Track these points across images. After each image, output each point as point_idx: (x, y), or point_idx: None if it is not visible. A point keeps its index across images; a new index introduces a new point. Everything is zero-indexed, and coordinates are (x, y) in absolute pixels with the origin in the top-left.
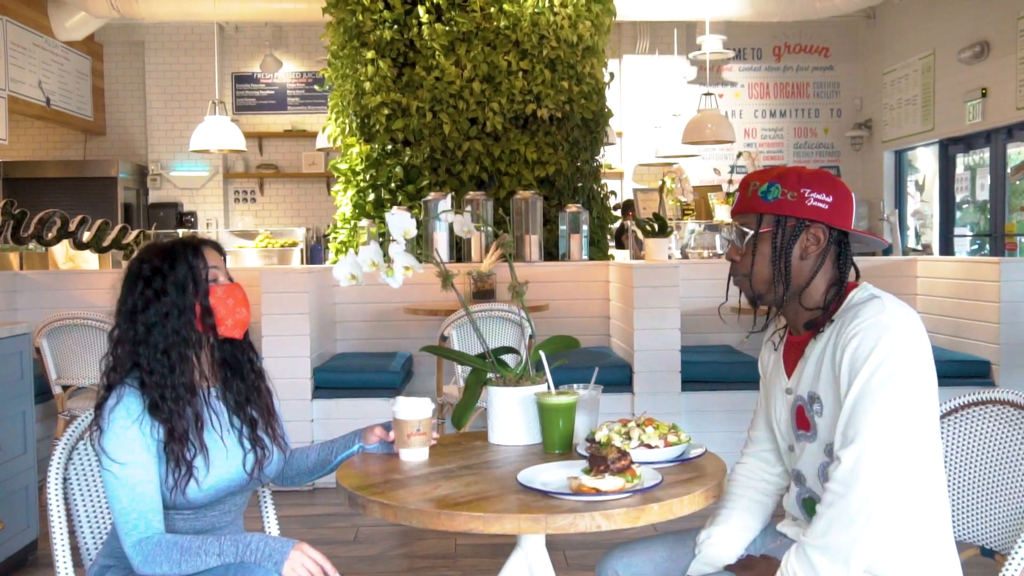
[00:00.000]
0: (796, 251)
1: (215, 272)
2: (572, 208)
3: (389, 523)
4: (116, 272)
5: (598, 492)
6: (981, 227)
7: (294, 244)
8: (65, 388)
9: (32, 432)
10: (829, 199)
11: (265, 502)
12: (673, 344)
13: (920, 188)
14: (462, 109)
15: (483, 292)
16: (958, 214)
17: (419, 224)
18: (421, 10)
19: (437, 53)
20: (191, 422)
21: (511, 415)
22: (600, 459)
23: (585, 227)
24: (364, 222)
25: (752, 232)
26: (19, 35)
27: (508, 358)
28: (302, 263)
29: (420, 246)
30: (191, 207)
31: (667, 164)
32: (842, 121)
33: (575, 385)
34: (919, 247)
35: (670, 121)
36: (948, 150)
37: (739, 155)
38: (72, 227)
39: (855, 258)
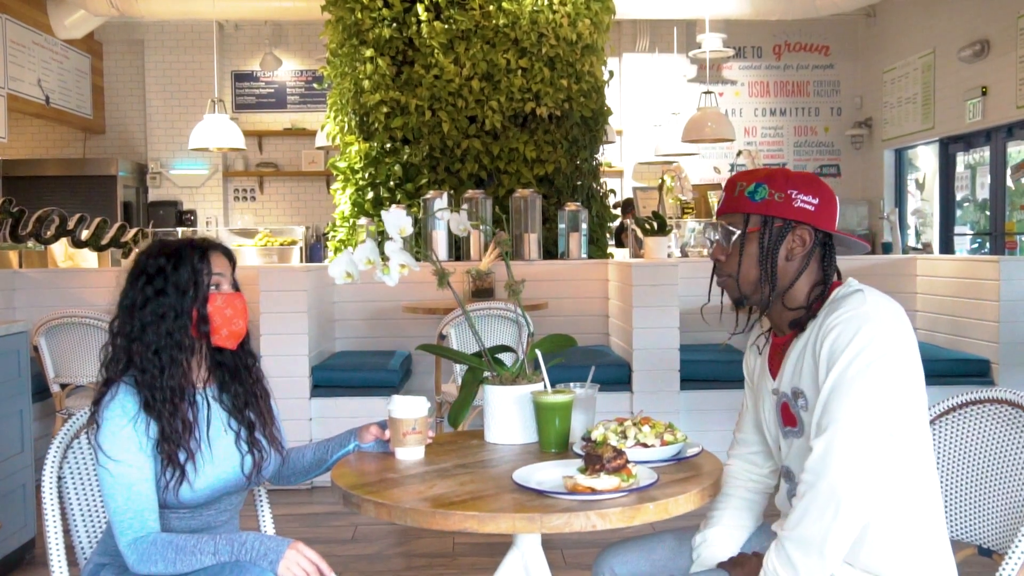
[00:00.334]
0: (782, 252)
1: (218, 279)
2: (571, 206)
3: (386, 522)
4: (115, 270)
5: (593, 491)
6: (981, 226)
7: (293, 243)
8: (63, 387)
9: (30, 430)
10: (815, 201)
11: (261, 501)
12: (672, 343)
13: (920, 187)
14: (461, 107)
15: (482, 291)
16: (958, 212)
17: (418, 223)
18: (420, 8)
19: (436, 51)
20: (181, 426)
21: (507, 414)
22: (596, 458)
23: (584, 226)
24: (363, 220)
25: (739, 232)
26: (19, 33)
27: (505, 357)
28: (301, 261)
29: (419, 244)
30: (191, 205)
31: (667, 163)
32: (842, 120)
33: (571, 384)
34: (919, 246)
35: (670, 119)
36: (948, 149)
37: (739, 153)
38: (70, 225)
39: (840, 259)
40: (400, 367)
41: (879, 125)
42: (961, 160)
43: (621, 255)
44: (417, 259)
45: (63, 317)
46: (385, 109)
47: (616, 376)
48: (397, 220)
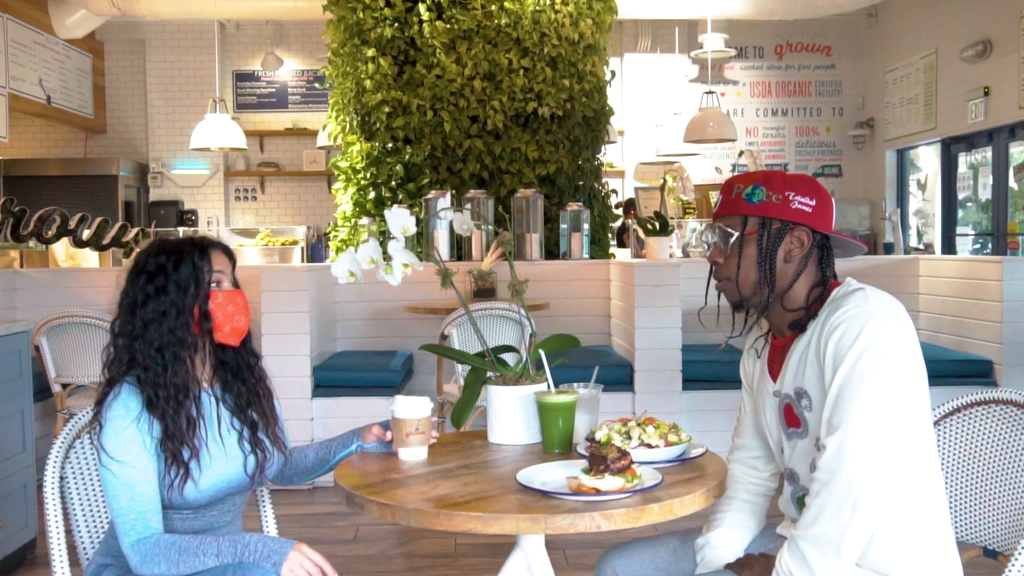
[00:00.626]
0: (780, 253)
1: (219, 276)
2: (573, 206)
3: (388, 522)
4: (116, 270)
5: (598, 492)
6: (983, 226)
7: (295, 242)
8: (64, 386)
9: (31, 430)
10: (813, 202)
11: (264, 502)
12: (674, 343)
13: (922, 187)
14: (463, 107)
15: (483, 291)
16: (960, 213)
17: (419, 222)
18: (422, 8)
19: (438, 51)
20: (185, 424)
21: (511, 414)
22: (600, 459)
23: (586, 226)
24: (364, 220)
25: (737, 234)
26: (20, 33)
27: (508, 357)
28: (303, 261)
29: (420, 244)
30: (192, 205)
31: (668, 163)
32: (844, 120)
33: (575, 384)
34: (921, 246)
35: (671, 119)
36: (950, 149)
37: (741, 154)
38: (72, 225)
39: (843, 260)
40: (402, 367)
41: (881, 125)
42: (963, 160)
43: (623, 255)
44: (419, 259)
45: (64, 317)
46: (387, 109)
47: (618, 376)
48: (400, 220)
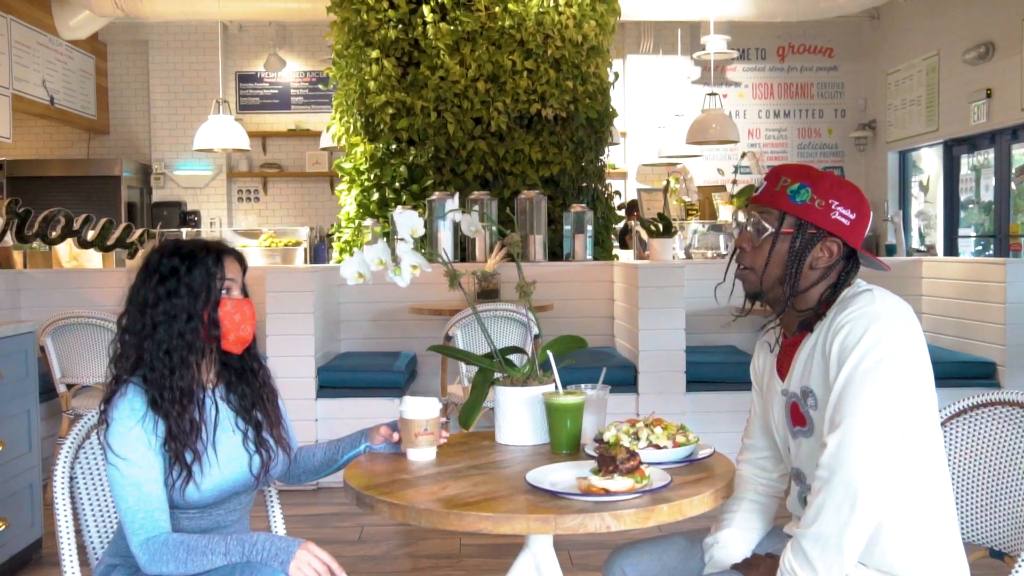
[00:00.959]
0: (809, 258)
1: (230, 284)
2: (576, 208)
3: (393, 523)
4: (120, 271)
5: (607, 492)
6: (985, 228)
7: (297, 243)
8: (69, 387)
9: (37, 431)
10: (852, 216)
11: (271, 502)
12: (678, 344)
13: (924, 189)
14: (466, 109)
15: (487, 292)
16: (962, 215)
17: (424, 224)
18: (426, 9)
19: (442, 52)
20: (189, 427)
21: (518, 415)
22: (609, 459)
23: (589, 227)
24: (368, 221)
25: (772, 230)
26: (23, 34)
27: (513, 358)
28: (305, 262)
29: (424, 246)
30: (194, 206)
31: (671, 164)
32: (846, 121)
33: (582, 385)
34: (923, 248)
35: (673, 121)
36: (952, 151)
37: (743, 155)
38: (76, 226)
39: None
40: (406, 368)
41: (883, 127)
42: (965, 162)
43: (625, 257)
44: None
45: (70, 317)
46: (391, 110)
47: (622, 378)
48: (409, 221)
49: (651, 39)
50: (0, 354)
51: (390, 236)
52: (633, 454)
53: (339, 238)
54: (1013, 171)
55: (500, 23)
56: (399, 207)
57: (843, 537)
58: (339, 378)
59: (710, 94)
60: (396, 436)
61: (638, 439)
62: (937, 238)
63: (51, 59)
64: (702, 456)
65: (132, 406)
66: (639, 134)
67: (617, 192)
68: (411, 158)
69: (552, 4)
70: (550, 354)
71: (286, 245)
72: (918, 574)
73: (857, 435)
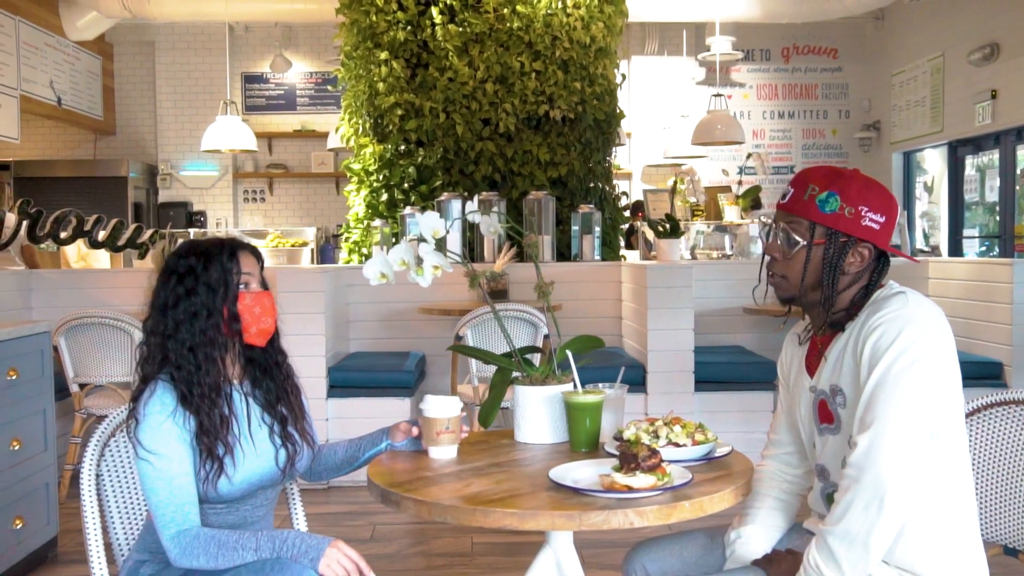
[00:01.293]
0: (841, 265)
1: (247, 278)
2: (584, 209)
3: (405, 521)
4: (130, 271)
5: (630, 489)
6: (990, 229)
7: (304, 244)
8: (82, 387)
9: (52, 430)
10: (882, 220)
11: (294, 499)
12: (687, 344)
13: (929, 189)
14: (475, 110)
15: (496, 292)
16: (967, 215)
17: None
18: (434, 11)
19: (450, 54)
20: (219, 421)
21: (538, 414)
22: (631, 457)
23: (597, 228)
24: (377, 222)
25: (804, 243)
26: (31, 35)
27: (527, 357)
28: (312, 263)
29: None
30: (200, 207)
31: (676, 165)
32: (850, 122)
33: (600, 384)
34: (927, 248)
35: (678, 122)
36: (957, 152)
37: (749, 156)
38: (87, 226)
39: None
40: (415, 368)
41: (887, 128)
42: (970, 163)
43: (633, 257)
44: None
45: (83, 317)
46: (399, 111)
47: (630, 378)
48: (431, 222)
49: (656, 40)
50: (16, 354)
51: (399, 237)
52: (654, 452)
53: (348, 239)
54: (1018, 172)
55: (508, 25)
56: (408, 207)
57: (870, 536)
58: (349, 378)
59: (715, 95)
60: (416, 430)
61: (658, 437)
62: (941, 239)
63: (58, 60)
64: (720, 454)
65: (162, 401)
66: (644, 135)
67: (624, 193)
68: (420, 159)
69: (560, 6)
70: (569, 353)
71: (293, 246)
72: (939, 573)
73: (888, 436)
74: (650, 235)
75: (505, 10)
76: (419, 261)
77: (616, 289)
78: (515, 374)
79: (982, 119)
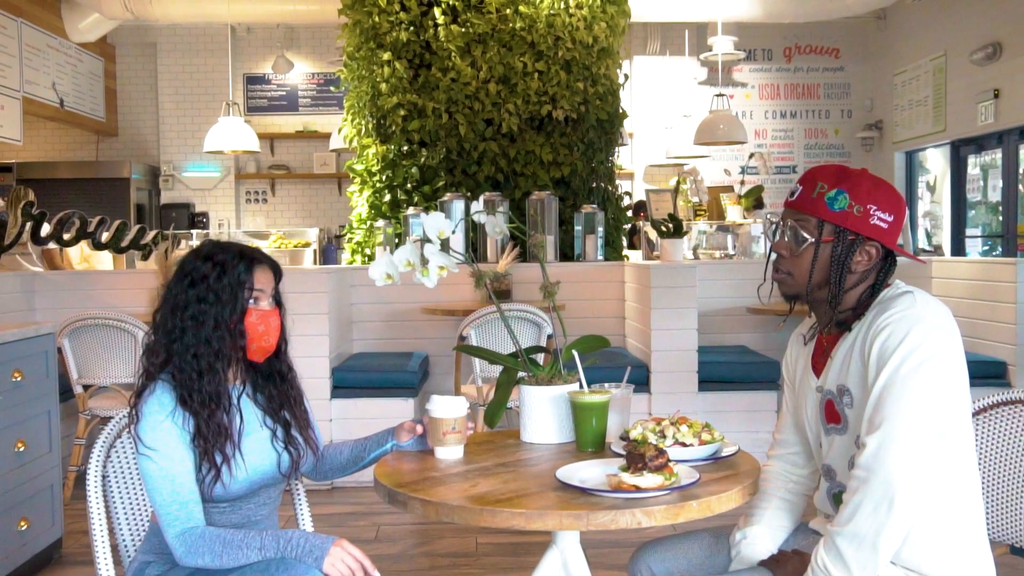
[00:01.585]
0: (849, 263)
1: (259, 294)
2: (587, 209)
3: (409, 521)
4: (133, 273)
5: (638, 489)
6: (993, 228)
7: (307, 245)
8: (86, 388)
9: (57, 431)
10: (891, 219)
11: (299, 500)
12: (690, 344)
13: (931, 189)
14: (478, 110)
15: (499, 292)
16: (970, 214)
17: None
18: (437, 12)
19: (453, 54)
20: (217, 429)
21: (544, 414)
22: (638, 457)
23: (600, 228)
24: (380, 223)
25: (812, 240)
26: (33, 37)
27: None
28: (315, 263)
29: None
30: (203, 208)
31: (678, 165)
32: (852, 122)
33: (606, 384)
34: (930, 248)
35: (681, 122)
36: (959, 151)
37: (751, 156)
38: (91, 228)
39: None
40: (419, 368)
41: (889, 128)
42: (972, 162)
43: (636, 257)
44: None
45: (87, 318)
46: (402, 112)
47: (634, 377)
48: (436, 223)
49: (658, 40)
50: (21, 355)
51: (402, 237)
52: (661, 451)
53: (351, 239)
54: (1021, 171)
55: (511, 25)
56: (411, 208)
57: (879, 537)
58: (353, 378)
59: (717, 95)
60: (420, 428)
61: (664, 437)
62: (944, 238)
63: (61, 62)
64: (727, 454)
65: (160, 401)
66: (646, 135)
67: (627, 193)
68: (422, 160)
69: (563, 6)
70: (575, 353)
71: (295, 246)
72: (945, 573)
73: (897, 437)
74: (653, 235)
75: (508, 10)
76: (425, 262)
77: (619, 289)
78: (521, 374)
79: (984, 118)
